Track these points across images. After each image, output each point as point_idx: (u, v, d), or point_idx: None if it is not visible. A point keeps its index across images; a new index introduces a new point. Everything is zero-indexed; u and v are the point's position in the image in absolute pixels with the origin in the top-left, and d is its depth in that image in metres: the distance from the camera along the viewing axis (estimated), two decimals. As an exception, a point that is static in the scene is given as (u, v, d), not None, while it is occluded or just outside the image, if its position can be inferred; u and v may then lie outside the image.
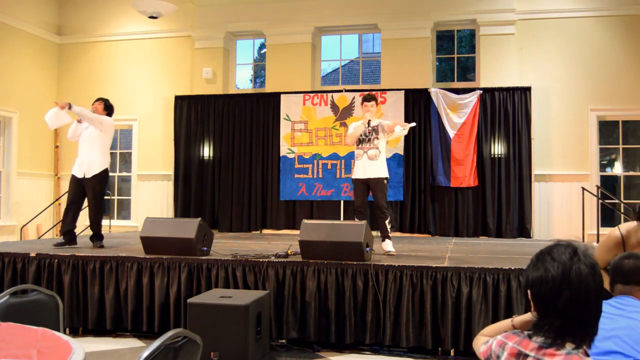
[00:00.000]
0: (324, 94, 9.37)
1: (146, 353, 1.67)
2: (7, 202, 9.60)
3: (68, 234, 5.91)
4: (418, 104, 9.04)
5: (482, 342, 1.76)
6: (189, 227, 5.08)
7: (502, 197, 8.67)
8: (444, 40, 10.21)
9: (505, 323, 1.92)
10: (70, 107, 5.78)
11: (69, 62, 10.66)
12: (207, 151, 9.81)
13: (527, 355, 1.55)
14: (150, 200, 10.10)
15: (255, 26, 9.88)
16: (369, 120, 5.64)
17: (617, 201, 8.60)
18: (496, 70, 8.97)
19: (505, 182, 8.69)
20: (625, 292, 2.23)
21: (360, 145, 5.70)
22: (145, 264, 5.03)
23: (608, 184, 8.94)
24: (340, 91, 9.35)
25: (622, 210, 8.54)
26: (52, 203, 10.32)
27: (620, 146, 8.97)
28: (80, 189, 5.94)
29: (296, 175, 9.35)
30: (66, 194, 6.28)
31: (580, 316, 1.52)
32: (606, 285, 2.24)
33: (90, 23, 10.58)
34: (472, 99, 8.78)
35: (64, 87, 10.58)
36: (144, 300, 4.99)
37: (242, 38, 10.37)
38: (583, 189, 8.35)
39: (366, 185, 5.68)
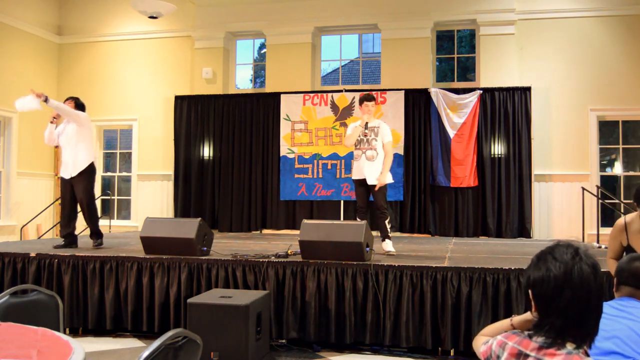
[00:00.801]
0: (324, 94, 9.37)
1: (146, 353, 1.67)
2: (7, 202, 9.59)
3: (68, 237, 5.89)
4: (418, 104, 9.05)
5: (482, 342, 1.76)
6: (189, 227, 5.08)
7: (502, 197, 8.66)
8: (444, 40, 10.21)
9: (505, 323, 1.92)
10: (46, 100, 5.57)
11: (69, 62, 10.66)
12: (207, 151, 9.81)
13: (527, 355, 1.55)
14: (150, 200, 10.10)
15: (255, 26, 9.88)
16: (367, 123, 5.64)
17: (617, 201, 8.60)
18: (496, 70, 8.97)
19: (505, 182, 8.69)
20: (634, 295, 2.21)
21: (358, 146, 5.71)
22: (145, 264, 5.03)
23: (608, 184, 8.94)
24: (340, 91, 9.35)
25: (622, 210, 8.54)
26: (52, 203, 10.32)
27: (620, 146, 8.97)
28: (70, 189, 5.90)
29: (296, 175, 9.35)
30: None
31: (581, 316, 1.52)
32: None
33: (90, 23, 10.58)
34: (472, 99, 8.78)
35: (64, 87, 10.57)
36: (144, 300, 4.99)
37: (242, 38, 10.37)
38: (583, 189, 8.35)
39: (365, 185, 5.68)
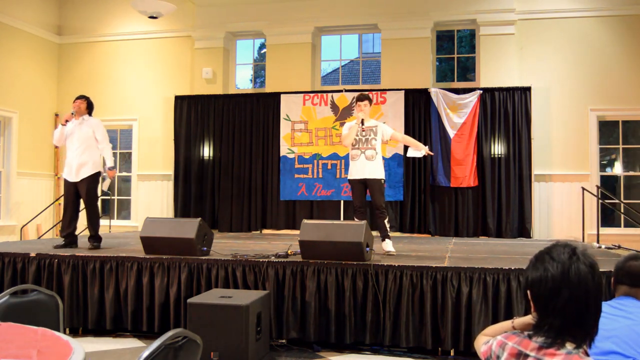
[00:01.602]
0: (324, 94, 9.37)
1: (146, 353, 1.67)
2: (7, 202, 9.60)
3: (68, 237, 5.88)
4: (418, 104, 9.04)
5: (483, 342, 1.76)
6: (189, 227, 5.08)
7: (502, 197, 8.66)
8: (444, 40, 10.21)
9: (506, 324, 1.92)
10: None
11: (69, 62, 10.66)
12: (207, 151, 9.81)
13: (527, 355, 1.55)
14: (150, 200, 10.10)
15: (255, 26, 9.88)
16: (362, 120, 5.64)
17: (617, 201, 8.60)
18: (496, 70, 8.97)
19: (505, 182, 8.68)
20: (630, 294, 2.23)
21: (357, 146, 5.70)
22: (145, 264, 5.04)
23: (608, 184, 8.94)
24: (340, 91, 9.35)
25: (622, 210, 8.54)
26: (52, 203, 10.32)
27: (620, 146, 8.97)
28: (74, 192, 5.89)
29: (296, 175, 9.35)
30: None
31: (579, 315, 1.52)
32: None
33: (90, 23, 10.58)
34: (472, 99, 8.78)
35: (64, 87, 10.58)
36: (144, 300, 4.99)
37: (242, 38, 10.37)
38: (583, 189, 8.34)
39: (364, 185, 5.68)
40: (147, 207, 10.01)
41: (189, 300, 4.24)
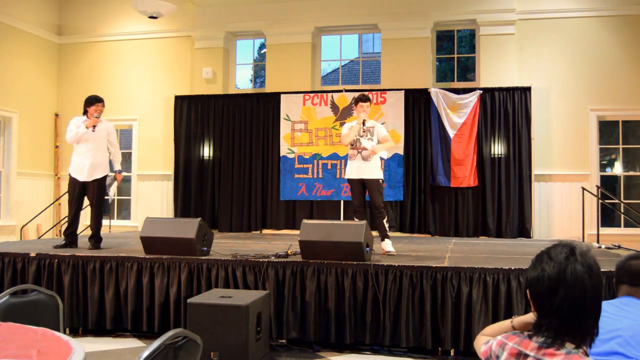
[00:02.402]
0: (324, 94, 9.37)
1: (146, 353, 1.67)
2: (7, 202, 9.59)
3: (70, 236, 5.91)
4: (418, 104, 9.04)
5: (483, 342, 1.76)
6: (189, 227, 5.08)
7: (502, 197, 8.66)
8: (444, 40, 10.20)
9: (506, 323, 1.92)
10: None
11: (69, 62, 10.66)
12: (207, 151, 9.81)
13: (527, 355, 1.55)
14: (150, 200, 10.10)
15: (255, 26, 9.88)
16: (364, 121, 5.65)
17: (617, 201, 8.60)
18: (496, 70, 8.97)
19: (505, 182, 8.68)
20: (631, 293, 2.23)
21: (354, 146, 5.71)
22: (145, 264, 5.03)
23: (608, 184, 8.94)
24: (340, 91, 9.35)
25: (622, 210, 8.54)
26: (52, 203, 10.32)
27: (620, 146, 8.97)
28: (82, 191, 5.94)
29: (296, 175, 9.35)
30: (66, 194, 6.29)
31: (576, 315, 1.51)
32: None
33: (90, 23, 10.58)
34: (472, 99, 8.78)
35: (64, 87, 10.58)
36: (144, 300, 4.99)
37: (242, 38, 10.37)
38: (583, 189, 8.35)
39: (362, 184, 5.69)
40: (147, 207, 10.00)
41: (189, 300, 4.24)
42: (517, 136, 8.72)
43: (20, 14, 9.82)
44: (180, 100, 9.93)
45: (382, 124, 8.63)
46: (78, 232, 6.13)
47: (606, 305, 1.62)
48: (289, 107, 9.44)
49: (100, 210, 6.04)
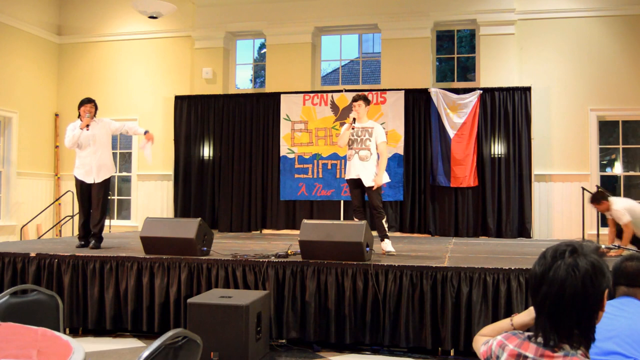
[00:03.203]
0: (324, 94, 9.37)
1: (146, 353, 1.67)
2: (7, 202, 9.59)
3: (86, 237, 5.97)
4: (418, 104, 9.05)
5: (482, 343, 1.76)
6: (189, 227, 5.08)
7: (502, 197, 8.66)
8: (444, 40, 10.20)
9: (505, 323, 1.92)
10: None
11: (69, 62, 10.66)
12: (207, 151, 9.81)
13: (526, 357, 1.55)
14: (150, 200, 10.10)
15: (255, 26, 9.88)
16: (354, 119, 5.66)
17: (617, 201, 8.59)
18: (496, 70, 8.97)
19: (505, 182, 8.69)
20: (629, 294, 2.24)
21: (351, 146, 5.71)
22: (145, 264, 5.04)
23: (608, 184, 8.94)
24: (340, 91, 9.35)
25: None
26: (52, 203, 10.32)
27: (620, 146, 8.98)
28: (90, 193, 5.98)
29: (296, 175, 9.35)
30: (66, 194, 6.30)
31: (556, 314, 1.51)
32: None
33: (90, 23, 10.58)
34: (472, 99, 8.78)
35: (64, 87, 10.58)
36: (144, 300, 4.99)
37: (242, 38, 10.37)
38: (583, 189, 8.35)
39: (360, 185, 5.68)
40: (147, 207, 10.01)
41: (189, 300, 4.25)
42: (517, 136, 8.72)
43: (20, 14, 9.82)
44: (180, 100, 9.93)
45: (382, 124, 8.68)
46: (77, 232, 6.15)
47: (606, 306, 1.61)
48: (289, 107, 9.45)
49: (104, 210, 6.05)
